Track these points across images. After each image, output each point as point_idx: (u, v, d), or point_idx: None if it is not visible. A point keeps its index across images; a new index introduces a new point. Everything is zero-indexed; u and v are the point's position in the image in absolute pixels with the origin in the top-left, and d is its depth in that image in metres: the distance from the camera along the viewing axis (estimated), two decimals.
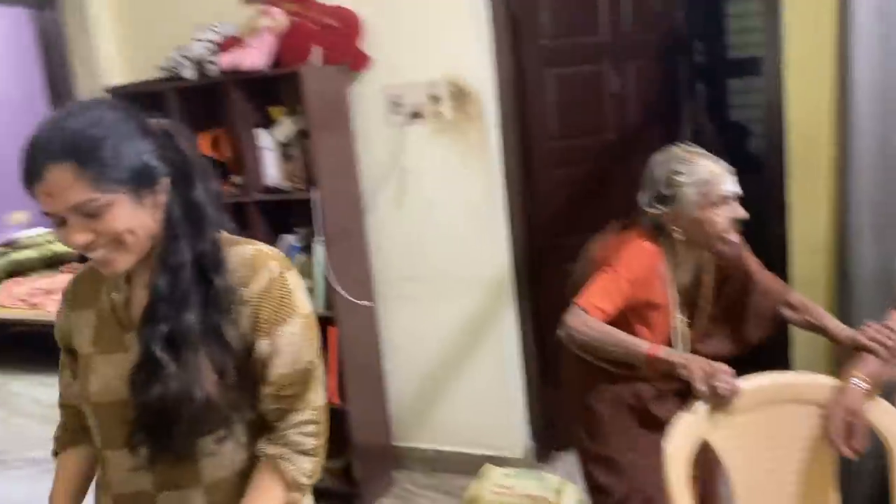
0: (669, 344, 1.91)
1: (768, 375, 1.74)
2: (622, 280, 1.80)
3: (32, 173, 1.07)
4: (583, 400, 2.02)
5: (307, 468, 1.22)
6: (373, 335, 3.14)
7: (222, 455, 1.21)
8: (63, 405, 1.38)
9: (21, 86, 3.89)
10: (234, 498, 1.21)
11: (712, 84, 4.36)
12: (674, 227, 1.84)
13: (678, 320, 1.95)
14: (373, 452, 3.08)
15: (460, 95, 2.85)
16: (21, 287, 4.83)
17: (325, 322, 2.90)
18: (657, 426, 1.84)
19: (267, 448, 1.22)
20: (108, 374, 1.21)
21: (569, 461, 3.13)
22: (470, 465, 3.03)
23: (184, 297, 1.14)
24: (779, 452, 1.71)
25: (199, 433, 1.17)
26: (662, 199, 1.84)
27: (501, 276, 2.98)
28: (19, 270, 5.00)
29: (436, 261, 3.04)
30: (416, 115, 2.91)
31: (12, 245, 5.09)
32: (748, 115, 4.31)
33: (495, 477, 2.83)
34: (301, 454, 1.22)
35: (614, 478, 1.97)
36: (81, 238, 1.09)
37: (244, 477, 1.22)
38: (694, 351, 1.91)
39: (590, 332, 1.75)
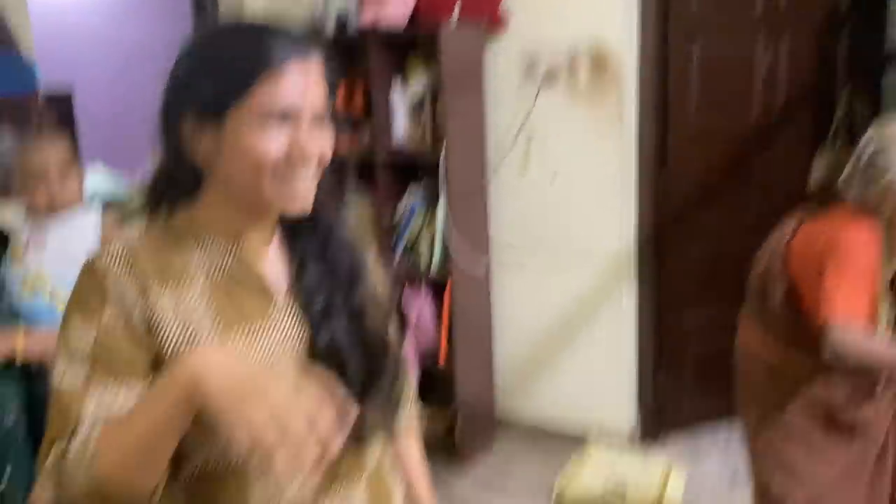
0: None
1: None
2: (865, 271, 1.61)
3: (302, 48, 0.89)
4: (769, 401, 1.85)
5: None
6: (485, 300, 3.13)
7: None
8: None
9: (167, 32, 4.05)
10: (384, 487, 1.05)
11: (868, 73, 4.04)
12: (877, 211, 1.66)
13: (886, 310, 1.74)
14: (476, 415, 3.08)
15: (599, 62, 2.76)
16: None
17: (439, 283, 2.92)
18: (846, 431, 1.73)
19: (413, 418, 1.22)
20: (267, 354, 0.93)
21: (678, 443, 3.04)
22: (572, 440, 3.00)
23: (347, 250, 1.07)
24: None
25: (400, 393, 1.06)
26: (866, 180, 1.66)
27: (624, 251, 2.90)
28: None
29: (556, 231, 2.99)
30: (551, 79, 2.84)
31: None
32: None
33: (596, 457, 2.78)
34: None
35: (791, 487, 1.80)
36: (317, 146, 0.91)
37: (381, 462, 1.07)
38: None
39: (870, 352, 1.56)
